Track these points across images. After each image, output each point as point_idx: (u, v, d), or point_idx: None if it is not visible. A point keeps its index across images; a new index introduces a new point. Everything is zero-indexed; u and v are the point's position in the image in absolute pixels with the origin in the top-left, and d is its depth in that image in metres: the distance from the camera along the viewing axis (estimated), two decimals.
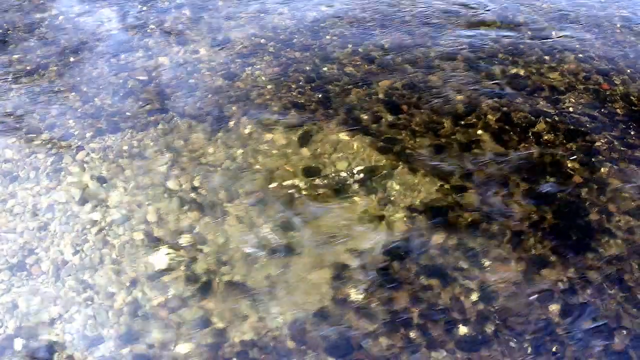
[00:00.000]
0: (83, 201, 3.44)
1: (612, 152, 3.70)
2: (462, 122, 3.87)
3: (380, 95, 4.07)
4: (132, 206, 3.41)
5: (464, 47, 4.47)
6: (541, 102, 4.01)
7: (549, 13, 4.84)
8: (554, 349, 2.84)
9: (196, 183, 3.53)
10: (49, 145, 3.77)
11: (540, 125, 3.85)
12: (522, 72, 4.25)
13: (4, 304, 3.00)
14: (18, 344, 2.87)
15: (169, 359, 2.81)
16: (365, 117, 3.91)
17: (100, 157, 3.69)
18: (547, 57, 4.38)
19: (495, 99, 4.02)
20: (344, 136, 3.78)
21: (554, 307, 2.98)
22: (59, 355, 2.82)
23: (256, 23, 4.73)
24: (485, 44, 4.49)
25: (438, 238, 3.25)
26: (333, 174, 3.56)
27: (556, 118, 3.90)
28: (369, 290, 3.04)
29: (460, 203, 3.42)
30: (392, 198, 3.44)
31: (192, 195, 3.47)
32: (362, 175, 3.55)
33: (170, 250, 3.22)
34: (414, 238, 3.26)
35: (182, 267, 3.14)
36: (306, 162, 3.64)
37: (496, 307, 2.98)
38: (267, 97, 4.06)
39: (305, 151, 3.70)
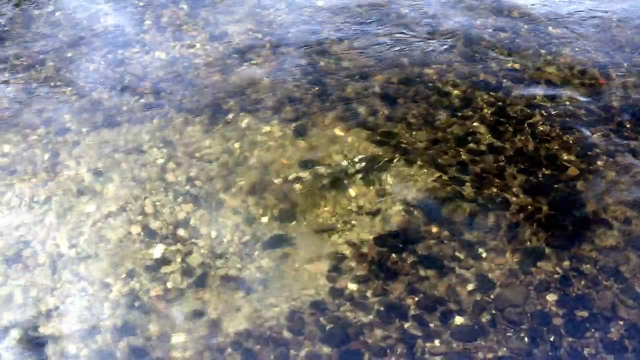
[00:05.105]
0: (80, 194, 3.45)
1: (608, 145, 3.70)
2: (459, 115, 3.88)
3: (377, 89, 4.07)
4: (128, 199, 3.42)
5: (460, 39, 4.49)
6: (537, 97, 4.02)
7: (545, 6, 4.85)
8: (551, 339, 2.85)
9: (192, 175, 3.53)
10: (46, 140, 3.78)
11: (536, 118, 3.85)
12: (517, 66, 4.25)
13: (0, 296, 3.01)
14: (14, 335, 2.87)
15: (165, 350, 2.82)
16: (361, 110, 3.91)
17: (96, 152, 3.69)
18: (543, 51, 4.39)
19: (492, 93, 4.03)
20: (340, 130, 3.78)
21: (551, 297, 2.98)
22: (55, 347, 2.83)
23: (253, 17, 4.74)
24: (482, 37, 4.50)
25: (434, 229, 3.26)
26: (329, 167, 3.56)
27: (552, 111, 3.90)
28: (366, 281, 3.04)
29: (457, 195, 3.42)
30: (388, 190, 3.45)
31: (188, 187, 3.47)
32: (358, 167, 3.55)
33: (167, 243, 3.22)
34: (410, 229, 3.26)
35: (178, 259, 3.15)
36: (302, 155, 3.64)
37: (493, 297, 2.98)
38: (263, 91, 4.06)
39: (301, 144, 3.70)
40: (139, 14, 4.78)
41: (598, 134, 3.76)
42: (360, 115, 3.88)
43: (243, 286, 3.03)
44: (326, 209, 3.37)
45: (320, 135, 3.75)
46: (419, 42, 4.47)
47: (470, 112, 3.90)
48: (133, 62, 4.33)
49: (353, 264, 3.11)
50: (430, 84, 4.10)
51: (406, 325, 2.89)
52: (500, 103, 3.96)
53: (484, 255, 3.15)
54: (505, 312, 2.93)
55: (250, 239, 3.23)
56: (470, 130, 3.79)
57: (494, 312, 2.93)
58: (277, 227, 3.28)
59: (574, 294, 3.00)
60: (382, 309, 2.94)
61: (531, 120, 3.84)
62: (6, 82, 4.20)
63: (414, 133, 3.77)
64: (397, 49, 4.40)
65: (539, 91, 4.06)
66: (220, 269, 3.10)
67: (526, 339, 2.84)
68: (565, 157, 3.62)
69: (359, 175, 3.52)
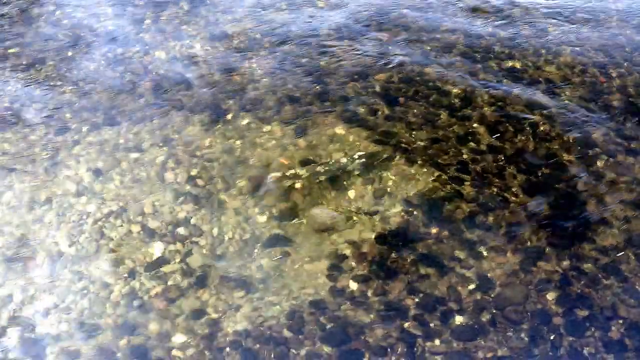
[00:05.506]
0: (79, 194, 3.44)
1: (608, 145, 3.70)
2: (459, 114, 3.88)
3: (377, 89, 4.07)
4: (128, 198, 3.41)
5: (460, 39, 4.49)
6: (538, 95, 4.02)
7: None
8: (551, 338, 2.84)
9: (192, 175, 3.53)
10: (46, 139, 3.77)
11: (536, 118, 3.85)
12: (518, 65, 4.25)
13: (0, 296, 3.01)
14: (14, 334, 2.86)
15: (165, 349, 2.81)
16: (361, 109, 3.91)
17: (96, 150, 3.69)
18: (543, 51, 4.39)
19: (492, 92, 4.03)
20: (340, 129, 3.78)
21: (551, 297, 2.98)
22: (55, 346, 2.82)
23: (252, 17, 4.73)
24: (482, 37, 4.50)
25: (434, 228, 3.25)
26: (330, 166, 3.56)
27: (553, 111, 3.90)
28: (366, 280, 3.04)
29: (457, 194, 3.42)
30: (389, 189, 3.44)
31: (188, 187, 3.47)
32: (359, 166, 3.55)
33: (167, 242, 3.21)
34: (411, 228, 3.26)
35: (178, 259, 3.14)
36: (303, 154, 3.64)
37: (493, 297, 2.97)
38: (263, 90, 4.06)
39: (301, 143, 3.70)
40: (139, 13, 4.78)
41: (598, 133, 3.76)
42: (360, 115, 3.87)
43: (243, 285, 3.03)
44: (326, 207, 3.36)
45: (321, 135, 3.75)
46: (419, 41, 4.47)
47: (470, 112, 3.90)
48: (133, 62, 4.33)
49: (353, 263, 3.11)
50: (430, 83, 4.10)
51: (406, 324, 2.88)
52: (500, 102, 3.96)
53: (484, 254, 3.15)
54: (505, 312, 2.93)
55: (251, 238, 3.22)
56: (470, 129, 3.78)
57: (494, 311, 2.93)
58: (277, 226, 3.27)
59: (574, 293, 2.99)
60: (382, 308, 2.94)
61: (531, 120, 3.84)
62: (7, 81, 4.20)
63: (414, 132, 3.76)
64: (397, 48, 4.40)
65: (539, 91, 4.06)
66: (220, 268, 3.10)
67: (526, 338, 2.84)
68: (565, 157, 3.62)
69: (359, 175, 3.51)
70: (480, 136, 3.74)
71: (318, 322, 2.89)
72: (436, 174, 3.52)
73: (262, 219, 3.30)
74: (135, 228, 3.28)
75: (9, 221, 3.32)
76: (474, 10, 4.78)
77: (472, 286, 3.02)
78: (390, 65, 4.24)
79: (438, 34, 4.54)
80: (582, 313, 2.92)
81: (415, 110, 3.90)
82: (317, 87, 4.07)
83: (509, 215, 3.32)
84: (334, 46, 4.42)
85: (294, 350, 2.79)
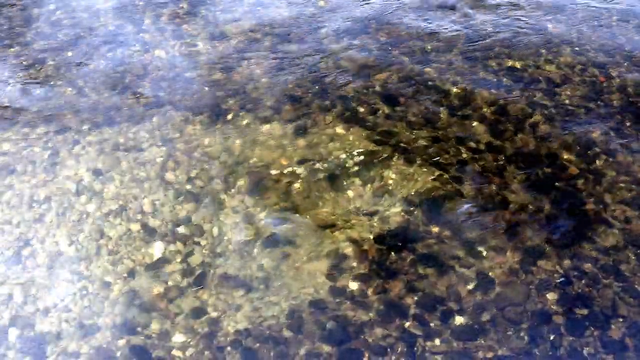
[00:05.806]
0: (79, 193, 3.44)
1: (609, 143, 3.70)
2: (459, 114, 3.88)
3: (377, 88, 4.07)
4: (128, 198, 3.41)
5: (460, 38, 4.49)
6: (538, 95, 4.02)
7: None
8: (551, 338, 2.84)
9: (192, 174, 3.53)
10: (46, 139, 3.77)
11: (537, 117, 3.85)
12: (518, 65, 4.25)
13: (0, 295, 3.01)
14: (14, 333, 2.86)
15: (165, 349, 2.81)
16: (362, 109, 3.91)
17: (96, 150, 3.69)
18: (543, 50, 4.39)
19: (492, 91, 4.03)
20: (340, 129, 3.78)
21: (551, 296, 2.98)
22: (55, 345, 2.82)
23: (252, 16, 4.73)
24: (482, 36, 4.50)
25: (434, 228, 3.25)
26: (329, 166, 3.56)
27: (552, 110, 3.90)
28: (366, 280, 3.04)
29: (457, 194, 3.42)
30: (389, 188, 3.44)
31: (189, 186, 3.47)
32: (359, 166, 3.55)
33: (167, 241, 3.21)
34: (410, 228, 3.26)
35: (179, 258, 3.14)
36: (302, 153, 3.64)
37: (493, 296, 2.97)
38: (263, 90, 4.06)
39: (301, 143, 3.70)
40: (139, 13, 4.78)
41: (598, 132, 3.76)
42: (360, 114, 3.87)
43: (243, 285, 3.03)
44: (326, 207, 3.36)
45: (321, 134, 3.75)
46: (419, 40, 4.47)
47: (470, 111, 3.90)
48: (133, 61, 4.33)
49: (353, 262, 3.11)
50: (430, 83, 4.10)
51: (406, 324, 2.88)
52: (500, 102, 3.96)
53: (484, 254, 3.14)
54: (505, 311, 2.93)
55: (251, 237, 3.22)
56: (470, 129, 3.78)
57: (494, 311, 2.93)
58: (277, 225, 3.27)
59: (575, 293, 2.99)
60: (382, 307, 2.94)
61: (531, 120, 3.84)
62: (6, 81, 4.20)
63: (414, 132, 3.76)
64: (397, 47, 4.40)
65: (539, 90, 4.06)
66: (220, 268, 3.10)
67: (526, 338, 2.84)
68: (565, 156, 3.62)
69: (359, 175, 3.51)
70: (480, 136, 3.74)
71: (318, 322, 2.89)
72: (436, 173, 3.52)
73: (262, 218, 3.30)
74: (135, 227, 3.28)
75: (9, 220, 3.32)
76: (473, 10, 4.78)
77: (472, 286, 3.02)
78: (390, 65, 4.24)
79: (438, 33, 4.53)
80: (582, 312, 2.92)
81: (415, 110, 3.90)
82: (317, 87, 4.07)
83: (509, 215, 3.32)
84: (334, 45, 4.42)
85: (293, 350, 2.79)
